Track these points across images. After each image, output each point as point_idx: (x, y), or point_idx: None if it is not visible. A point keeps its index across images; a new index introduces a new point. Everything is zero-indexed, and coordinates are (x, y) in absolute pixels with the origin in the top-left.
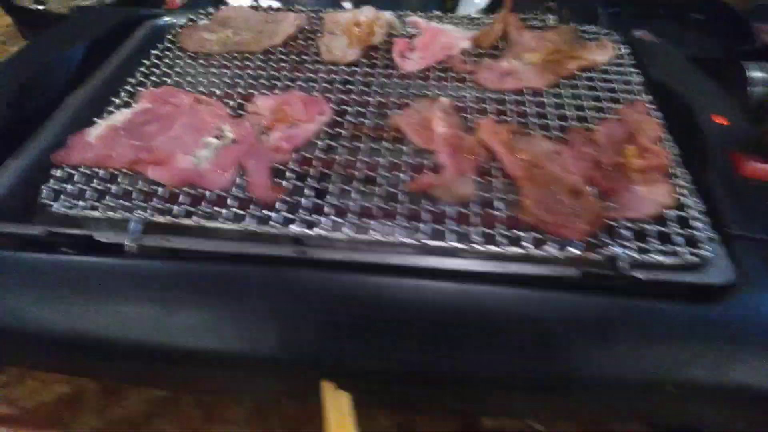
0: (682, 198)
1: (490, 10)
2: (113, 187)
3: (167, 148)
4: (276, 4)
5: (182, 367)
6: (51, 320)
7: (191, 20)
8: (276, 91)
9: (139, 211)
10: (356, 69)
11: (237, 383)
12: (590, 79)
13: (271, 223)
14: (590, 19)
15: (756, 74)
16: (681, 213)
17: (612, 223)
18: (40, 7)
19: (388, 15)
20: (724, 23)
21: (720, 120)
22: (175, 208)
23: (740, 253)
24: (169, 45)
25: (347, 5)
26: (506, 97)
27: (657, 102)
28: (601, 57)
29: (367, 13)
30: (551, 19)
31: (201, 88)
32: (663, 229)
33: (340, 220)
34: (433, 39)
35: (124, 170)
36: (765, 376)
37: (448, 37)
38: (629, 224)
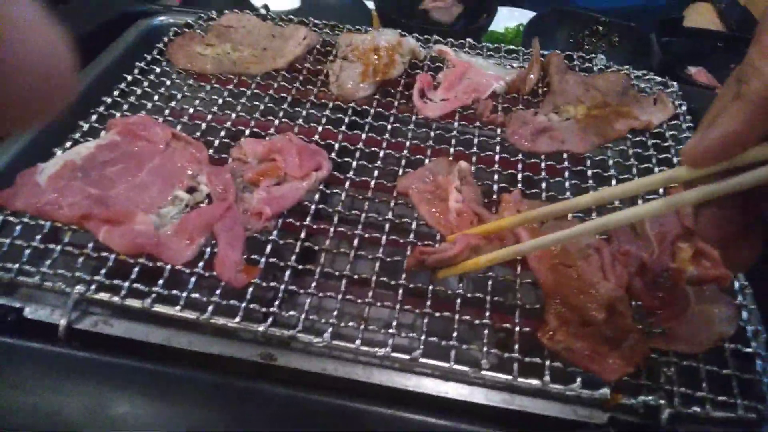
0: (744, 325)
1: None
2: (56, 249)
3: (127, 202)
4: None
5: None
6: None
7: (188, 25)
8: (271, 130)
9: (80, 286)
10: (368, 109)
11: None
12: (641, 144)
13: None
14: (643, 50)
15: None
16: (741, 347)
17: (655, 356)
18: None
19: (411, 41)
20: None
21: None
22: (125, 285)
23: None
24: (157, 57)
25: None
26: (540, 163)
27: None
28: (657, 118)
29: (388, 37)
30: (601, 59)
31: (184, 119)
32: (717, 368)
33: (320, 319)
34: (460, 76)
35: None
36: None
37: (478, 76)
38: (675, 359)
